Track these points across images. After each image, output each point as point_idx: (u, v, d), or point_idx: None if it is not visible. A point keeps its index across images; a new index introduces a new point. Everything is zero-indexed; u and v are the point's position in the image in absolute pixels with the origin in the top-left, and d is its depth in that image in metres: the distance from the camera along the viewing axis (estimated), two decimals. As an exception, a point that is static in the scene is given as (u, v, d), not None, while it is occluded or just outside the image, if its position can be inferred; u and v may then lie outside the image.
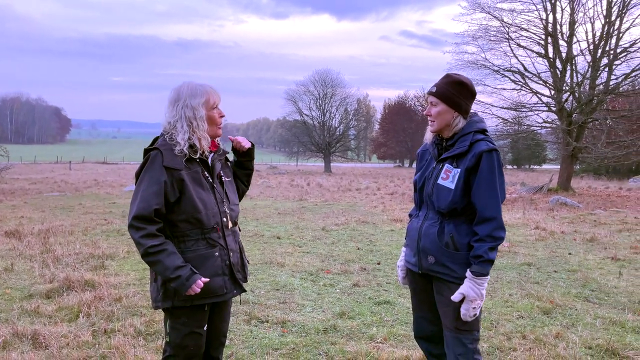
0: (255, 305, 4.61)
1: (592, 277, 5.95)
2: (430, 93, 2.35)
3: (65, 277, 5.12)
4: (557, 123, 21.38)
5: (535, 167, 63.06)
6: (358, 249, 7.58)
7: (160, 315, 4.21)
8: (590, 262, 6.83)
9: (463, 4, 22.43)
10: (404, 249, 2.60)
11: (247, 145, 2.58)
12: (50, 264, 6.02)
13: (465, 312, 2.24)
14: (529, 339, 3.86)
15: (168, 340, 2.33)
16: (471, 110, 2.37)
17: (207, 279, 2.23)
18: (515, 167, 62.90)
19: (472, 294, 2.21)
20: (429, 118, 2.36)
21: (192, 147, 2.25)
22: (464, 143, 2.28)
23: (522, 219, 11.21)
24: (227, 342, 3.68)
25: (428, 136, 2.44)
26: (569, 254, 7.38)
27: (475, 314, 2.26)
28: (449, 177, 2.29)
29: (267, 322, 4.19)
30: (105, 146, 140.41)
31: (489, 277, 2.25)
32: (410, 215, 2.60)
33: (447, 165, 2.32)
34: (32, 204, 13.42)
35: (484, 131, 2.32)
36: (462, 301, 2.25)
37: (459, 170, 2.27)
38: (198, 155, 2.28)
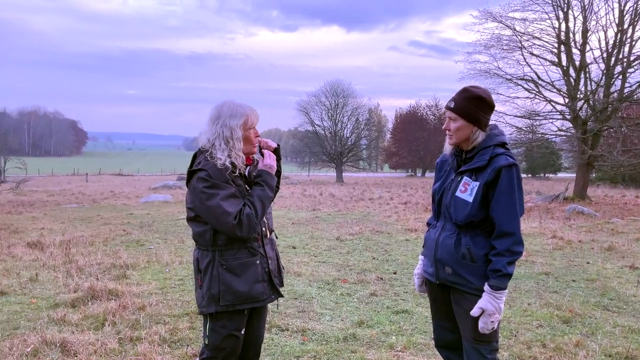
0: (275, 314, 4.67)
1: (611, 285, 5.93)
2: (448, 108, 2.38)
3: (89, 287, 5.24)
4: (572, 131, 21.25)
5: (551, 175, 62.46)
6: (374, 258, 7.62)
7: (183, 323, 4.31)
8: (608, 271, 6.80)
9: (474, 13, 22.65)
10: (421, 257, 2.65)
11: (274, 145, 2.69)
12: (73, 273, 6.16)
13: (484, 326, 2.27)
14: (549, 348, 3.87)
15: (207, 342, 2.44)
16: (491, 122, 2.42)
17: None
18: (530, 175, 62.35)
19: (491, 307, 2.24)
20: (447, 132, 2.40)
21: (232, 163, 2.37)
22: (483, 157, 2.31)
23: (539, 228, 11.16)
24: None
25: (447, 147, 2.48)
26: (587, 263, 7.34)
27: (494, 327, 2.29)
28: (467, 190, 2.32)
29: (287, 330, 4.26)
30: (121, 158, 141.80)
31: (507, 290, 2.29)
32: (428, 224, 2.64)
33: (465, 178, 2.35)
34: (52, 215, 13.68)
35: (504, 144, 2.35)
36: (480, 313, 2.28)
37: (477, 183, 2.30)
38: (237, 172, 2.40)
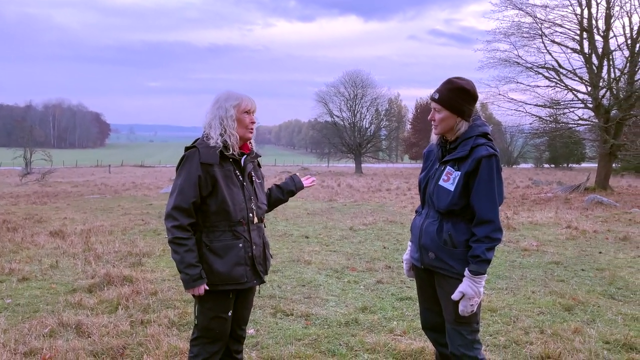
0: (282, 300, 4.82)
1: (620, 275, 5.91)
2: (432, 99, 2.46)
3: (105, 273, 5.47)
4: (594, 120, 20.83)
5: (574, 165, 61.23)
6: (384, 247, 7.71)
7: (192, 308, 4.48)
8: (620, 260, 6.76)
9: (494, 0, 22.13)
10: (409, 243, 2.75)
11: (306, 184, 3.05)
12: (91, 261, 6.42)
13: (463, 309, 2.37)
14: (547, 334, 3.93)
15: (196, 323, 2.58)
16: (475, 114, 2.48)
17: (207, 288, 2.48)
18: (552, 165, 61.23)
19: (470, 292, 2.33)
20: (432, 123, 2.49)
21: (224, 145, 2.52)
22: (465, 147, 2.40)
23: (555, 218, 11.07)
24: (254, 332, 3.92)
25: (433, 137, 2.57)
26: (599, 252, 7.30)
27: (473, 310, 2.38)
28: (449, 179, 2.41)
29: (292, 315, 4.40)
30: (142, 150, 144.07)
31: (486, 275, 2.38)
32: (416, 212, 2.74)
33: (448, 168, 2.44)
34: (75, 205, 14.10)
35: (485, 135, 2.42)
36: (461, 297, 2.37)
37: (459, 173, 2.39)
38: (230, 153, 2.54)
